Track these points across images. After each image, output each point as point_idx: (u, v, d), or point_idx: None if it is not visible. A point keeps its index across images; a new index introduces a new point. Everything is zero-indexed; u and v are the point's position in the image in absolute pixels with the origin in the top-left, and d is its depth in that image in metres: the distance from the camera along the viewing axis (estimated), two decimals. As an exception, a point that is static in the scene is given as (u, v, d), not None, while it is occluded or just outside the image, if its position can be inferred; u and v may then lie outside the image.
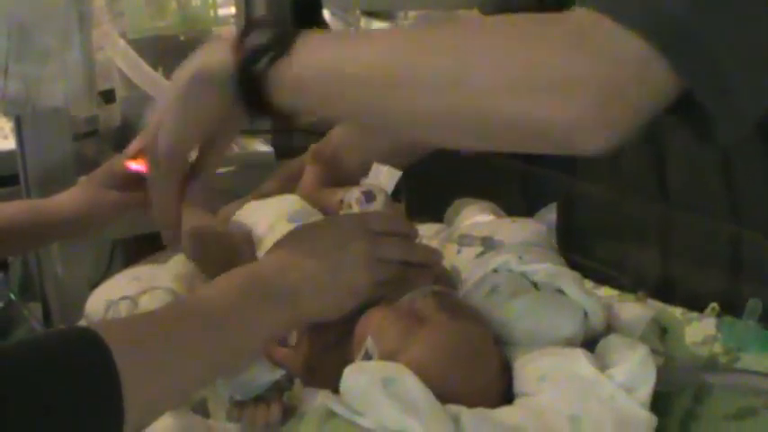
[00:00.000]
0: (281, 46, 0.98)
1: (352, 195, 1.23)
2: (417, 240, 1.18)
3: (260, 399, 0.99)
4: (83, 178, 1.62)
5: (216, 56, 1.03)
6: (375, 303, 1.08)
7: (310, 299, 1.04)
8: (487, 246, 1.22)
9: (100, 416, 0.86)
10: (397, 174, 1.24)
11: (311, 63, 0.99)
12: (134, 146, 1.34)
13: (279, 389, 1.00)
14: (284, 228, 1.20)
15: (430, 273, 1.11)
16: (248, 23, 1.02)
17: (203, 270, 1.30)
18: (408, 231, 1.16)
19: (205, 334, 0.96)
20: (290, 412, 0.99)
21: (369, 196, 1.23)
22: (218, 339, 0.97)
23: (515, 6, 1.39)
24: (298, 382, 1.05)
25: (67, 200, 1.40)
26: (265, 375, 1.00)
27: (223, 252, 1.26)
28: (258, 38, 1.00)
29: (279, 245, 1.10)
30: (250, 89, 1.01)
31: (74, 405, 0.84)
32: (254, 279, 1.03)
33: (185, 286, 1.30)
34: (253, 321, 1.00)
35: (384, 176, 1.24)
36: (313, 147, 1.40)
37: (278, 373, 1.01)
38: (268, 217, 1.24)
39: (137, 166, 1.33)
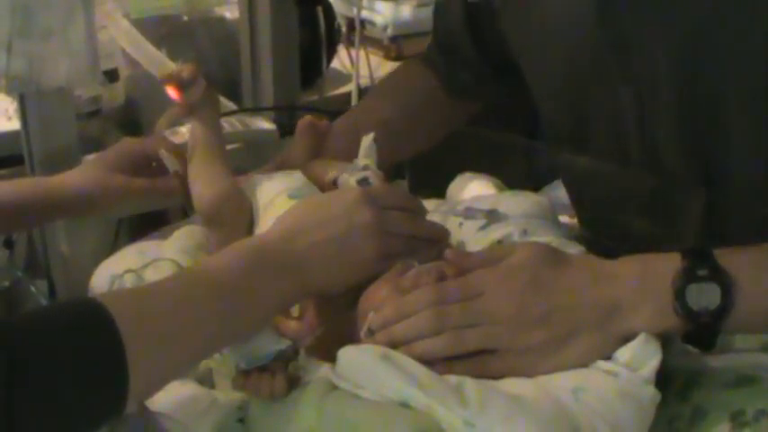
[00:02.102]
0: (728, 302, 0.95)
1: (347, 184, 1.25)
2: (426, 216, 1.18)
3: (265, 368, 0.99)
4: (88, 157, 1.63)
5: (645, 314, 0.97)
6: (382, 276, 1.08)
7: (316, 269, 1.04)
8: (492, 218, 1.22)
9: (103, 384, 0.86)
10: (369, 137, 1.25)
11: (760, 304, 0.97)
12: (172, 69, 1.34)
13: (284, 359, 1.00)
14: (284, 202, 1.20)
15: (437, 248, 1.11)
16: (686, 274, 0.96)
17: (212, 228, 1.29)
18: (416, 207, 1.16)
19: (211, 304, 0.96)
20: (294, 383, 0.99)
21: (364, 184, 1.24)
22: (223, 309, 0.97)
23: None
24: (303, 353, 1.05)
25: (74, 179, 1.40)
26: (271, 345, 1.00)
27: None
28: (700, 297, 0.95)
29: (285, 216, 1.09)
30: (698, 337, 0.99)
31: (76, 374, 0.84)
32: (260, 249, 1.03)
33: (190, 259, 1.30)
34: (259, 291, 1.00)
35: (362, 149, 1.26)
36: (306, 121, 1.40)
37: (284, 344, 1.00)
38: (269, 191, 1.24)
39: (171, 92, 1.33)
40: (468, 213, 1.24)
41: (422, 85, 1.55)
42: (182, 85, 1.30)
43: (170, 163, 1.39)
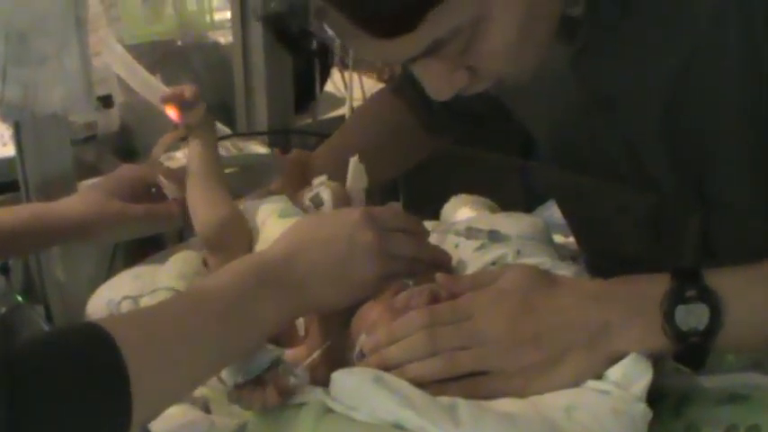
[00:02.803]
0: (717, 322, 0.95)
1: (304, 202, 1.26)
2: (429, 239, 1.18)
3: (258, 379, 0.99)
4: (84, 183, 1.64)
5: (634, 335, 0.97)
6: (374, 297, 1.08)
7: (315, 288, 1.05)
8: (493, 239, 1.22)
9: (108, 411, 0.86)
10: (354, 160, 1.26)
11: (750, 323, 0.97)
12: (173, 91, 1.34)
13: (277, 366, 1.00)
14: (276, 222, 1.21)
15: (438, 272, 1.11)
16: (674, 295, 0.97)
17: (213, 251, 1.30)
18: (418, 229, 1.16)
19: (212, 326, 0.97)
20: (285, 392, 0.98)
21: (316, 201, 1.25)
22: (225, 332, 0.97)
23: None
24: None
25: (72, 205, 1.40)
26: (264, 356, 1.00)
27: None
28: (689, 318, 0.95)
29: (287, 233, 1.10)
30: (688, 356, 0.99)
31: (80, 401, 0.84)
32: (260, 268, 1.03)
33: (187, 285, 1.30)
34: (259, 312, 1.00)
35: (350, 172, 1.26)
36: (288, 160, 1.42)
37: (276, 353, 1.01)
38: (261, 213, 1.25)
39: (171, 112, 1.33)
40: (470, 234, 1.24)
41: (395, 116, 1.56)
42: (182, 107, 1.30)
43: (169, 189, 1.39)
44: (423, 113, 1.53)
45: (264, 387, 0.98)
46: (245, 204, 1.31)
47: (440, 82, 1.03)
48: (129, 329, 0.91)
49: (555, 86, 1.19)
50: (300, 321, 1.15)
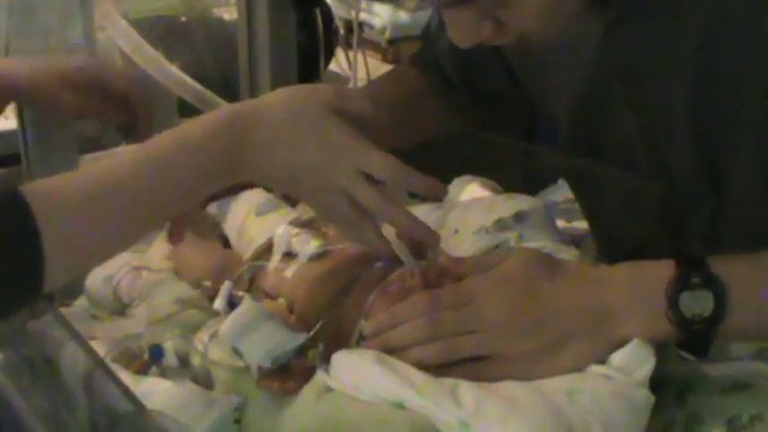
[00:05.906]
0: (722, 310, 0.95)
1: None
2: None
3: (284, 367, 0.99)
4: (86, 157, 1.63)
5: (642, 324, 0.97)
6: (364, 280, 1.09)
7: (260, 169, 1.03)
8: (519, 220, 1.21)
9: (18, 263, 0.87)
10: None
11: (754, 311, 0.97)
12: None
13: (303, 352, 1.00)
14: (253, 222, 1.24)
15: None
16: (679, 282, 0.97)
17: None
18: (429, 187, 1.11)
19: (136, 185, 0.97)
20: (309, 376, 0.99)
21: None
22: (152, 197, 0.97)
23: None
24: None
25: (21, 71, 1.38)
26: (289, 342, 1.00)
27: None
28: (694, 304, 0.95)
29: (287, 100, 1.06)
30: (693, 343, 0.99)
31: None
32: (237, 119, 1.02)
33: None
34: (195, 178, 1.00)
35: None
36: None
37: (301, 338, 1.00)
38: (238, 214, 1.26)
39: None
40: (499, 226, 1.22)
41: (406, 83, 1.54)
42: None
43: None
44: (437, 82, 1.51)
45: (288, 373, 0.99)
46: (215, 206, 1.32)
47: (465, 30, 1.03)
48: (45, 194, 0.92)
49: (582, 58, 1.19)
50: None
